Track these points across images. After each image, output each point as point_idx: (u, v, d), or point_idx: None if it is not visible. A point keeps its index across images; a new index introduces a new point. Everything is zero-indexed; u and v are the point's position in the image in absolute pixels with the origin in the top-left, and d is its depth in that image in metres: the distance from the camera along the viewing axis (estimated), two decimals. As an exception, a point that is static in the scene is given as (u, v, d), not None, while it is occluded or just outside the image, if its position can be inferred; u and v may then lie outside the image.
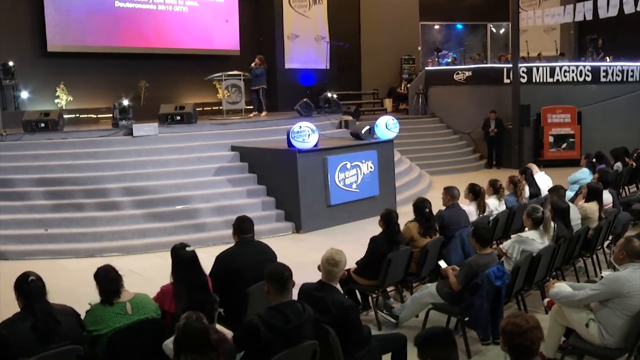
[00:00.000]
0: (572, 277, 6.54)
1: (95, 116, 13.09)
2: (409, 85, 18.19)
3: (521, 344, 2.84)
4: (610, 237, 6.98)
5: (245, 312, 4.43)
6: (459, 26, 20.84)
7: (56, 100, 12.87)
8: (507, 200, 7.25)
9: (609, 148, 10.88)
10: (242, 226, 4.93)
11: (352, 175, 9.83)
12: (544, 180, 8.23)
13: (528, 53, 17.46)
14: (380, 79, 19.26)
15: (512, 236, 5.90)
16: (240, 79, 12.79)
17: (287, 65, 16.43)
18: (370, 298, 5.65)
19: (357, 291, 5.78)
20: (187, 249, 4.32)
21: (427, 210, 5.86)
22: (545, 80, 15.40)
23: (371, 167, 10.11)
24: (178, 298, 4.18)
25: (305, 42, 16.78)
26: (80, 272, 7.25)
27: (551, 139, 15.01)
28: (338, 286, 4.18)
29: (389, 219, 5.50)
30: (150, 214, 8.87)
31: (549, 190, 6.74)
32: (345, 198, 9.71)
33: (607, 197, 7.10)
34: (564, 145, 14.99)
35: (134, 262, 7.84)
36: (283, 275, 3.53)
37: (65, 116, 12.36)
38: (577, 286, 4.55)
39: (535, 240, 5.41)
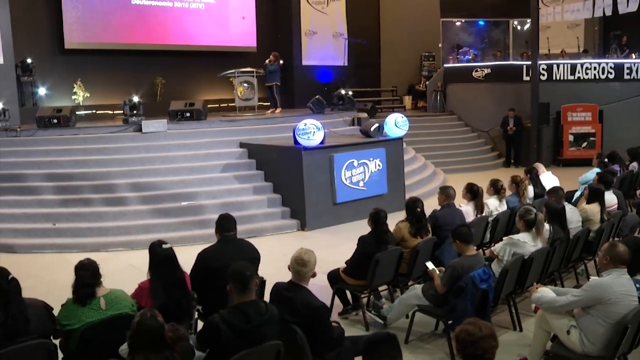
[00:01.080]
0: (573, 281, 6.39)
1: (111, 112, 13.25)
2: (427, 82, 17.97)
3: (473, 352, 2.74)
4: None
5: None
6: (481, 23, 20.47)
7: (73, 97, 13.03)
8: (510, 201, 7.09)
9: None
10: (224, 224, 4.93)
11: (359, 173, 9.74)
12: (550, 181, 7.98)
13: (549, 50, 17.06)
14: (400, 76, 19.05)
15: (503, 238, 5.77)
16: (253, 76, 12.80)
17: (305, 62, 16.33)
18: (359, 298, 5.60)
19: (347, 291, 5.74)
20: (165, 246, 4.36)
21: (419, 210, 5.76)
22: (565, 78, 15.05)
23: (379, 165, 10.01)
24: (154, 295, 4.22)
25: (323, 39, 16.66)
26: (83, 266, 7.37)
27: (571, 138, 14.67)
28: (312, 286, 4.14)
29: (377, 218, 5.43)
30: (156, 210, 8.95)
31: (548, 192, 6.57)
32: (352, 196, 9.64)
33: (611, 198, 6.87)
34: (585, 144, 14.62)
35: (137, 257, 7.90)
36: (244, 275, 3.51)
37: (83, 112, 12.57)
38: (561, 291, 4.44)
39: (527, 242, 5.28)
